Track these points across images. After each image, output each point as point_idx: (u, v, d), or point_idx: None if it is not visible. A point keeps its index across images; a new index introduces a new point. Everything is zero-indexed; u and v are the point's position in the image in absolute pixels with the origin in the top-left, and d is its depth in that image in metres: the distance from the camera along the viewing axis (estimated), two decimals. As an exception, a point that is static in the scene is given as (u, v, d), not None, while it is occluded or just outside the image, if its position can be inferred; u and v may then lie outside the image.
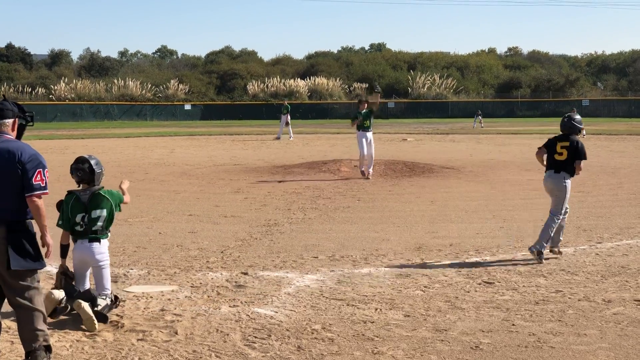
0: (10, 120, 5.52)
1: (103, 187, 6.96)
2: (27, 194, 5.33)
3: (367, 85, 78.76)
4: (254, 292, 7.72)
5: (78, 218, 6.78)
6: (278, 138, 37.26)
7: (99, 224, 6.81)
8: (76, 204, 6.80)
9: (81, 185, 6.91)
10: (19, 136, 5.62)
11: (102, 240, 6.86)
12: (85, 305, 6.47)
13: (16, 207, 5.35)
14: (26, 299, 5.38)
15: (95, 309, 6.57)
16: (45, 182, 5.41)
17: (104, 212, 6.84)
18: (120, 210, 7.05)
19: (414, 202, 14.52)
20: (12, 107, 5.55)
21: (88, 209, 6.78)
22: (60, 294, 6.66)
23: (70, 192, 6.89)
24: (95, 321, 6.42)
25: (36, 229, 5.52)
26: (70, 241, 6.93)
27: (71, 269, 6.95)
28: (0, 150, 5.34)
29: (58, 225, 6.82)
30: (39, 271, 5.53)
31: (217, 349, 5.96)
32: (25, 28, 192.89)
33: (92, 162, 6.92)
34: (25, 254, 5.33)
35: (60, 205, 6.89)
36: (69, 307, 6.68)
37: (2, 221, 5.28)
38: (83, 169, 6.87)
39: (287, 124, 37.64)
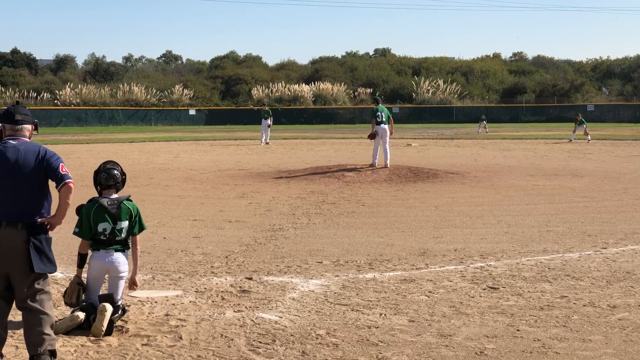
0: (30, 126, 5.70)
1: (129, 197, 6.91)
2: (62, 183, 5.47)
3: (371, 90, 78.77)
4: (259, 297, 7.72)
5: (101, 227, 6.64)
6: (267, 143, 37.31)
7: (123, 234, 6.76)
8: (101, 212, 6.65)
9: (104, 191, 6.80)
10: None
11: (126, 251, 6.83)
12: (108, 314, 6.39)
13: (37, 208, 5.42)
14: (37, 302, 5.41)
15: (112, 317, 6.52)
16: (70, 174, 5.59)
17: (126, 223, 6.76)
18: (141, 228, 6.93)
19: (419, 207, 14.52)
20: (30, 113, 5.75)
21: (114, 218, 6.68)
22: (82, 315, 6.52)
23: (92, 200, 6.74)
24: (103, 332, 6.38)
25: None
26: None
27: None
28: (22, 152, 5.48)
29: (75, 233, 6.69)
30: (48, 275, 5.57)
31: (221, 354, 5.96)
32: (31, 33, 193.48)
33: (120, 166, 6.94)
34: (45, 257, 5.41)
35: (79, 211, 6.75)
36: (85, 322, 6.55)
37: (23, 224, 5.34)
38: (119, 171, 6.83)
39: (267, 127, 37.91)
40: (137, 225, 6.85)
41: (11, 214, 5.34)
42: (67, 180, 5.49)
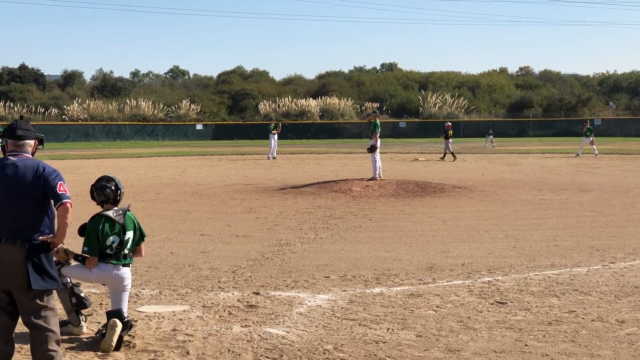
0: (32, 141, 5.63)
1: (128, 207, 6.93)
2: (59, 203, 5.36)
3: (377, 105, 78.79)
4: (266, 312, 7.71)
5: (110, 241, 6.66)
6: (274, 157, 37.40)
7: (129, 246, 6.77)
8: (109, 225, 6.67)
9: (105, 205, 6.81)
10: None
11: (130, 265, 6.86)
12: (119, 329, 6.39)
13: (36, 225, 5.38)
14: (41, 318, 5.38)
15: (121, 333, 6.52)
16: (68, 193, 5.46)
17: (132, 233, 6.79)
18: (142, 235, 7.01)
19: (426, 222, 14.50)
20: (32, 128, 5.67)
21: (123, 229, 6.70)
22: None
23: (99, 215, 6.73)
24: (113, 347, 6.38)
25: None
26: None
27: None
28: (20, 168, 5.40)
29: (85, 252, 6.67)
30: (53, 291, 5.54)
31: (228, 369, 5.95)
32: (39, 49, 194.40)
33: (116, 180, 6.93)
34: (45, 273, 5.35)
35: (83, 231, 6.74)
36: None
37: (22, 241, 5.30)
38: (110, 188, 6.81)
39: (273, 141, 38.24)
40: (139, 234, 6.92)
41: (10, 230, 5.30)
42: (65, 200, 5.38)
